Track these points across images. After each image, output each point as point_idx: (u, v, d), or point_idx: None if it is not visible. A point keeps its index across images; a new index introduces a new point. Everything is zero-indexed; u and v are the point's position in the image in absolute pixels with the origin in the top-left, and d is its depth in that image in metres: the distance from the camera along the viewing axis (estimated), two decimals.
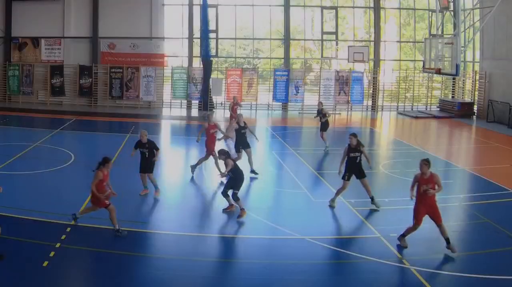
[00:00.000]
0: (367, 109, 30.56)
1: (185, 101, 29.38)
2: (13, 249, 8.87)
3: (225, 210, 11.49)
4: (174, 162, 17.23)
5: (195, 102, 29.43)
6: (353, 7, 31.78)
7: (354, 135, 11.83)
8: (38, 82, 28.55)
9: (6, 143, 18.18)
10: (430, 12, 28.52)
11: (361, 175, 11.82)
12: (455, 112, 28.59)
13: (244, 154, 14.70)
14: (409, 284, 8.33)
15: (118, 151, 17.37)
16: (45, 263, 8.36)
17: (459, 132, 24.38)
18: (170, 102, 29.31)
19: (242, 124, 14.74)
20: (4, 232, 9.60)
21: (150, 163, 12.39)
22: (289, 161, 16.96)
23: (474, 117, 28.41)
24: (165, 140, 22.16)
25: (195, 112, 28.87)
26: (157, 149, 12.50)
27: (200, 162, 14.64)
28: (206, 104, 28.45)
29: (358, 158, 11.74)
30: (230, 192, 11.21)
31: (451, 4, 24.55)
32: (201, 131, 14.80)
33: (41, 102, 28.47)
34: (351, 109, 30.09)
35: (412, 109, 30.78)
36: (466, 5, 26.86)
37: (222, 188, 11.66)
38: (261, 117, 27.41)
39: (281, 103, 29.80)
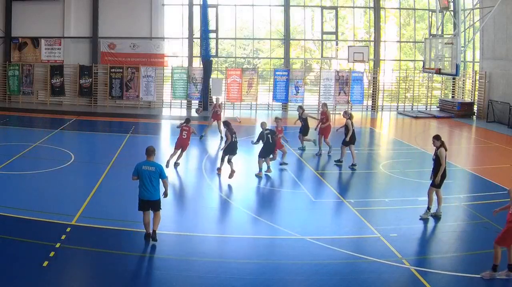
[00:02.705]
0: (367, 109, 30.56)
1: (185, 101, 29.38)
2: (13, 249, 8.88)
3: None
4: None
5: (195, 102, 29.43)
6: (353, 7, 31.79)
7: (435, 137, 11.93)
8: (38, 82, 28.54)
9: (6, 143, 18.18)
10: (430, 12, 28.55)
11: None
12: (455, 112, 28.59)
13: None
14: (409, 284, 8.33)
15: (118, 151, 17.37)
16: (45, 263, 8.36)
17: (459, 132, 24.37)
18: (170, 102, 29.30)
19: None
20: (4, 232, 9.62)
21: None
22: (289, 161, 16.94)
23: (474, 117, 28.41)
24: (165, 140, 22.15)
25: (195, 112, 28.83)
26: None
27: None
28: (206, 105, 28.45)
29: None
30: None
31: (451, 4, 24.57)
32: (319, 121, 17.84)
33: (41, 102, 28.46)
34: (351, 109, 30.04)
35: (412, 109, 30.79)
36: (466, 5, 26.87)
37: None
38: (261, 117, 27.38)
39: (281, 103, 29.79)
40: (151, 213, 9.47)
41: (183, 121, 15.82)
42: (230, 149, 14.12)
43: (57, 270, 8.26)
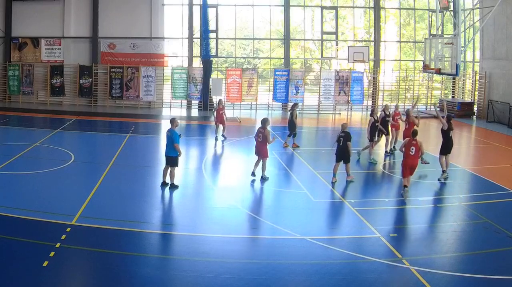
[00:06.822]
0: (367, 109, 30.53)
1: (185, 101, 29.39)
2: (13, 249, 8.88)
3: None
4: None
5: (195, 102, 29.43)
6: (353, 7, 31.79)
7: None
8: (38, 82, 28.54)
9: (6, 143, 18.17)
10: (430, 12, 28.54)
11: None
12: (455, 112, 28.57)
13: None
14: (409, 284, 8.33)
15: (118, 151, 17.37)
16: (45, 263, 8.36)
17: (459, 132, 24.35)
18: (170, 102, 29.30)
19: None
20: (4, 232, 9.62)
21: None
22: (289, 161, 16.96)
23: (474, 117, 28.41)
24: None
25: (195, 112, 28.86)
26: None
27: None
28: (206, 105, 28.46)
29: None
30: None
31: (451, 4, 24.58)
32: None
33: (41, 102, 28.47)
34: (351, 109, 30.10)
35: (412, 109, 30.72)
36: (466, 5, 26.88)
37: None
38: (261, 117, 27.33)
39: (281, 103, 29.79)
40: (169, 168, 13.13)
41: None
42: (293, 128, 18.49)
43: (57, 270, 8.26)
